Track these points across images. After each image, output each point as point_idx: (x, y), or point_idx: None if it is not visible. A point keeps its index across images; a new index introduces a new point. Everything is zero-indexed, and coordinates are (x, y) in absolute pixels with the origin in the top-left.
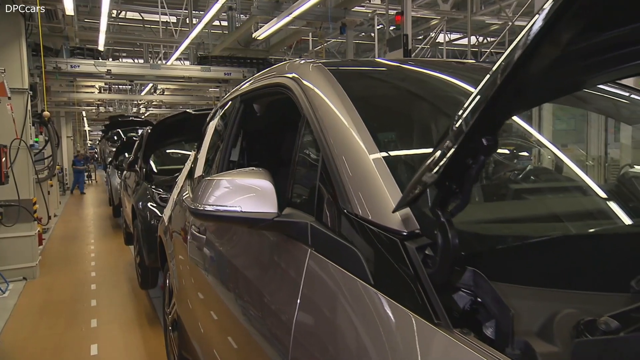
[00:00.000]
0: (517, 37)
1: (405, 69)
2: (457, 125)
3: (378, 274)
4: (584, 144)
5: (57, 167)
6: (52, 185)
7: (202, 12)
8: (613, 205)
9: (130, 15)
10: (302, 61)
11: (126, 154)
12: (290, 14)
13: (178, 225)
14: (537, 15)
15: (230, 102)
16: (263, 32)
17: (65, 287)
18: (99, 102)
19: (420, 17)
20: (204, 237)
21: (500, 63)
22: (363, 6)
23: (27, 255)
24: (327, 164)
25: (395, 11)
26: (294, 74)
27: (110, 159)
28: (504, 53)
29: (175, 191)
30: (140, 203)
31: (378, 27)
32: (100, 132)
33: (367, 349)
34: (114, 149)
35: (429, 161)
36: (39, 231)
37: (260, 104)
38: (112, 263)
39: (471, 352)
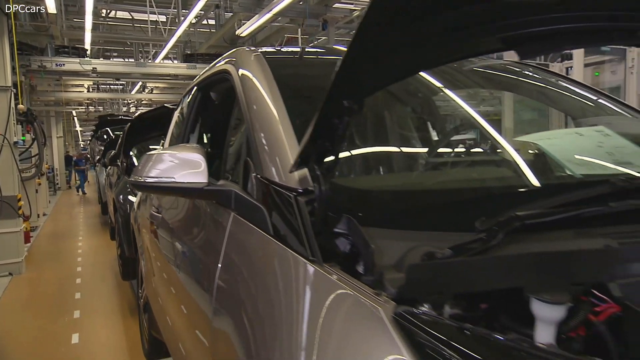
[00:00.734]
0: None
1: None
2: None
3: (276, 225)
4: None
5: (46, 166)
6: (40, 184)
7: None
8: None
9: (120, 14)
10: (247, 49)
11: (112, 152)
12: (270, 10)
13: (143, 210)
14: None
15: (191, 92)
16: (246, 29)
17: (51, 281)
18: (88, 102)
19: None
20: (160, 215)
21: (354, 38)
22: (346, 2)
23: (13, 251)
24: (250, 139)
25: None
26: (235, 61)
27: (98, 157)
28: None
29: None
30: (121, 196)
31: None
32: (91, 133)
33: (265, 284)
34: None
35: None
36: (25, 228)
37: (216, 91)
38: (98, 259)
39: (332, 280)
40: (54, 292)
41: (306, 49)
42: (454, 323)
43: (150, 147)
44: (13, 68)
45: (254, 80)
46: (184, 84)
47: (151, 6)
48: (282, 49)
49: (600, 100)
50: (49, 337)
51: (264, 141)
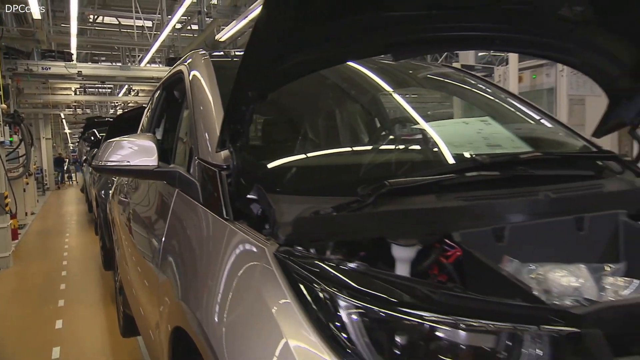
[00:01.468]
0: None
1: None
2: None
3: (204, 195)
4: None
5: (35, 167)
6: (27, 184)
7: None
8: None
9: (107, 20)
10: (200, 52)
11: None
12: (247, 16)
13: (115, 198)
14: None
15: (157, 91)
16: (224, 34)
17: (37, 274)
18: (75, 104)
19: None
20: (127, 200)
21: (249, 41)
22: None
23: (0, 246)
24: (193, 128)
25: None
26: (188, 63)
27: (85, 157)
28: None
29: None
30: (102, 192)
31: None
32: (79, 134)
33: (193, 239)
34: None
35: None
36: (12, 225)
37: (177, 90)
38: (84, 253)
39: (239, 232)
40: (40, 283)
41: None
42: (316, 256)
43: None
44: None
45: (200, 79)
46: None
47: (137, 12)
48: (234, 53)
49: (509, 99)
50: (34, 323)
51: (202, 129)
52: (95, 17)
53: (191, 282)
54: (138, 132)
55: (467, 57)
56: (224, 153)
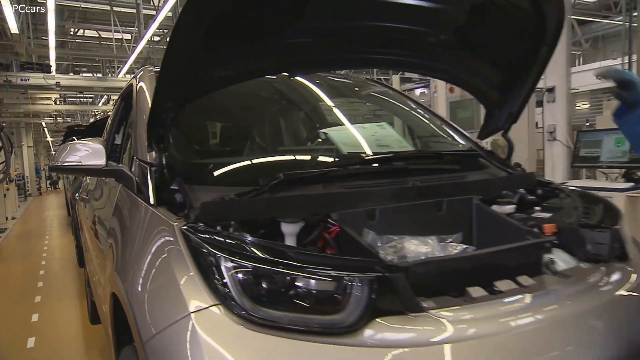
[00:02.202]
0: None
1: None
2: None
3: (138, 187)
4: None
5: (16, 173)
6: (8, 189)
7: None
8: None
9: (88, 33)
10: (149, 68)
11: None
12: None
13: (79, 197)
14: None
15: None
16: None
17: (16, 274)
18: (56, 113)
19: None
20: (87, 198)
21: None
22: None
23: None
24: (134, 132)
25: None
26: (139, 76)
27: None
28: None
29: None
30: (76, 194)
31: None
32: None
33: (126, 221)
34: None
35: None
36: None
37: (130, 100)
38: (62, 254)
39: (159, 215)
40: (18, 282)
41: None
42: (214, 230)
43: None
44: None
45: (145, 91)
46: None
47: (116, 25)
48: None
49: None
50: (12, 317)
51: (141, 133)
52: (76, 30)
53: (122, 256)
54: (103, 137)
55: None
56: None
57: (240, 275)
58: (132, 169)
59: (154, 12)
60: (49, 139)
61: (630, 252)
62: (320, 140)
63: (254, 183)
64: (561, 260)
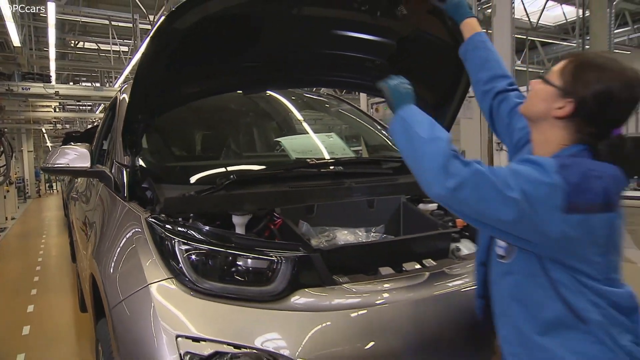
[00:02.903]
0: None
1: None
2: None
3: (115, 185)
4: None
5: (15, 176)
6: (8, 191)
7: None
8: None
9: (87, 45)
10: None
11: None
12: None
13: (71, 197)
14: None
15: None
16: None
17: (14, 270)
18: (55, 120)
19: None
20: (76, 196)
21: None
22: None
23: None
24: (114, 139)
25: None
26: (122, 90)
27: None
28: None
29: None
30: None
31: None
32: None
33: (104, 214)
34: None
35: None
36: None
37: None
38: (58, 252)
39: (130, 208)
40: (15, 277)
41: None
42: (174, 220)
43: None
44: None
45: (125, 102)
46: None
47: (114, 38)
48: None
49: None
50: (9, 308)
51: (119, 139)
52: (76, 42)
53: (101, 242)
54: (94, 142)
55: None
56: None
57: (191, 256)
58: (112, 170)
59: (149, 27)
60: (48, 144)
61: None
62: (275, 147)
63: (212, 183)
64: (466, 248)
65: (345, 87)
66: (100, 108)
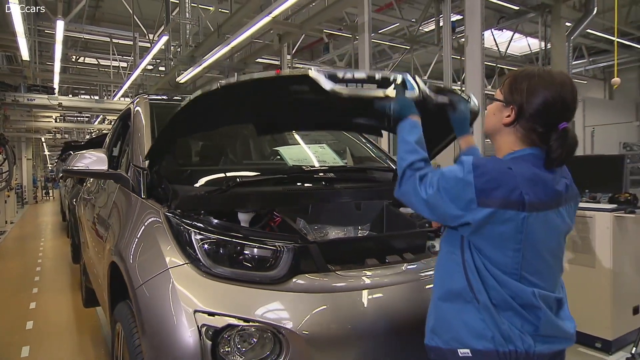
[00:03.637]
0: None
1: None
2: None
3: (134, 186)
4: None
5: (15, 182)
6: (9, 196)
7: None
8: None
9: (88, 60)
10: (144, 96)
11: None
12: (201, 64)
13: (81, 199)
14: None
15: (116, 120)
16: (183, 77)
17: (15, 270)
18: (55, 130)
19: None
20: (89, 197)
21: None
22: (261, 59)
23: None
24: (131, 146)
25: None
26: (135, 103)
27: (61, 174)
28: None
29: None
30: (74, 199)
31: None
32: (58, 155)
33: (123, 211)
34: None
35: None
36: None
37: (128, 120)
38: (57, 253)
39: (149, 205)
40: (16, 277)
41: (180, 97)
42: (189, 215)
43: None
44: None
45: (140, 114)
46: None
47: (114, 54)
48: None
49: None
50: (12, 305)
51: (137, 147)
52: (78, 57)
53: (122, 235)
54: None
55: None
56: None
57: (205, 245)
58: (129, 173)
59: (148, 45)
60: (46, 153)
61: None
62: (271, 156)
63: (219, 185)
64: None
65: (322, 129)
66: (99, 119)
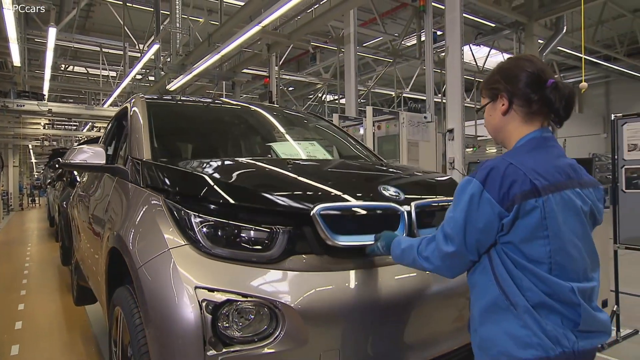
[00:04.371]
0: None
1: (188, 103)
2: None
3: (131, 176)
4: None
5: (2, 188)
6: None
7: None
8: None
9: (77, 69)
10: (140, 96)
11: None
12: (191, 73)
13: (76, 196)
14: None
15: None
16: (173, 85)
17: (2, 273)
18: (43, 137)
19: (309, 82)
20: (84, 193)
21: None
22: (248, 70)
23: None
24: (129, 141)
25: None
26: (131, 102)
27: (49, 181)
28: None
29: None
30: (64, 202)
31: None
32: (45, 162)
33: (122, 200)
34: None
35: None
36: None
37: (124, 119)
38: (44, 257)
39: (148, 192)
40: (4, 280)
41: (177, 97)
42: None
43: None
44: None
45: (137, 113)
46: None
47: (104, 63)
48: (164, 97)
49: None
50: (0, 308)
51: (135, 142)
52: (67, 66)
53: (122, 221)
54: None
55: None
56: (146, 155)
57: (204, 227)
58: (126, 166)
59: (138, 54)
60: (33, 160)
61: None
62: (261, 152)
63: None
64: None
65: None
66: (87, 127)
